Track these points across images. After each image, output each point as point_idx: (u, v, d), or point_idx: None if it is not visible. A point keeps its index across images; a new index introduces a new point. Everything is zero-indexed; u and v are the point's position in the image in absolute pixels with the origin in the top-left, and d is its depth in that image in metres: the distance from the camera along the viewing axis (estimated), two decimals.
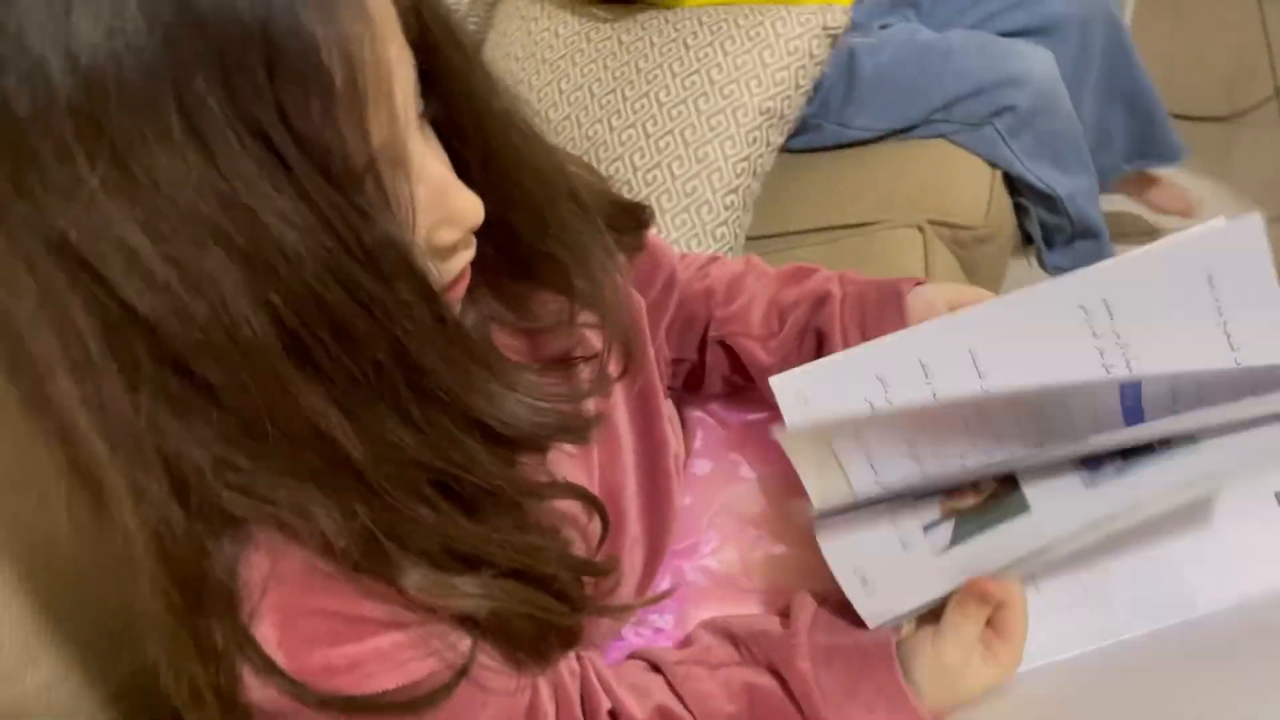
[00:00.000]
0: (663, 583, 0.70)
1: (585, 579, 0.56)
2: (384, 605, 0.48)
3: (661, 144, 0.92)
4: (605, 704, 0.59)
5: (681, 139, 0.91)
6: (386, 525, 0.46)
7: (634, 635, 0.69)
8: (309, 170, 0.39)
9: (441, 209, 0.46)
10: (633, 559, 0.67)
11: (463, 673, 0.51)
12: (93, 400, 0.42)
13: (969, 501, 0.58)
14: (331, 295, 0.41)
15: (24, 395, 0.44)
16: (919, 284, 0.69)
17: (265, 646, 0.46)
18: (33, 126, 0.38)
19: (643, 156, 0.91)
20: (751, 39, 0.94)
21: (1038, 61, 1.02)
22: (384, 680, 0.48)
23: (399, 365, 0.44)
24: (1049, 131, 1.04)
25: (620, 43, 0.99)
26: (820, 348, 0.70)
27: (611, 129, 0.94)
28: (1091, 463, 0.56)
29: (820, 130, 1.09)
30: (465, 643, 0.51)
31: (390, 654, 0.49)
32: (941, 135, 1.04)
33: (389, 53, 0.42)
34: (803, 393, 0.62)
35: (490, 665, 0.54)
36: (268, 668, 0.46)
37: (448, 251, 0.48)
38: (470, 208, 0.47)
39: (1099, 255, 1.14)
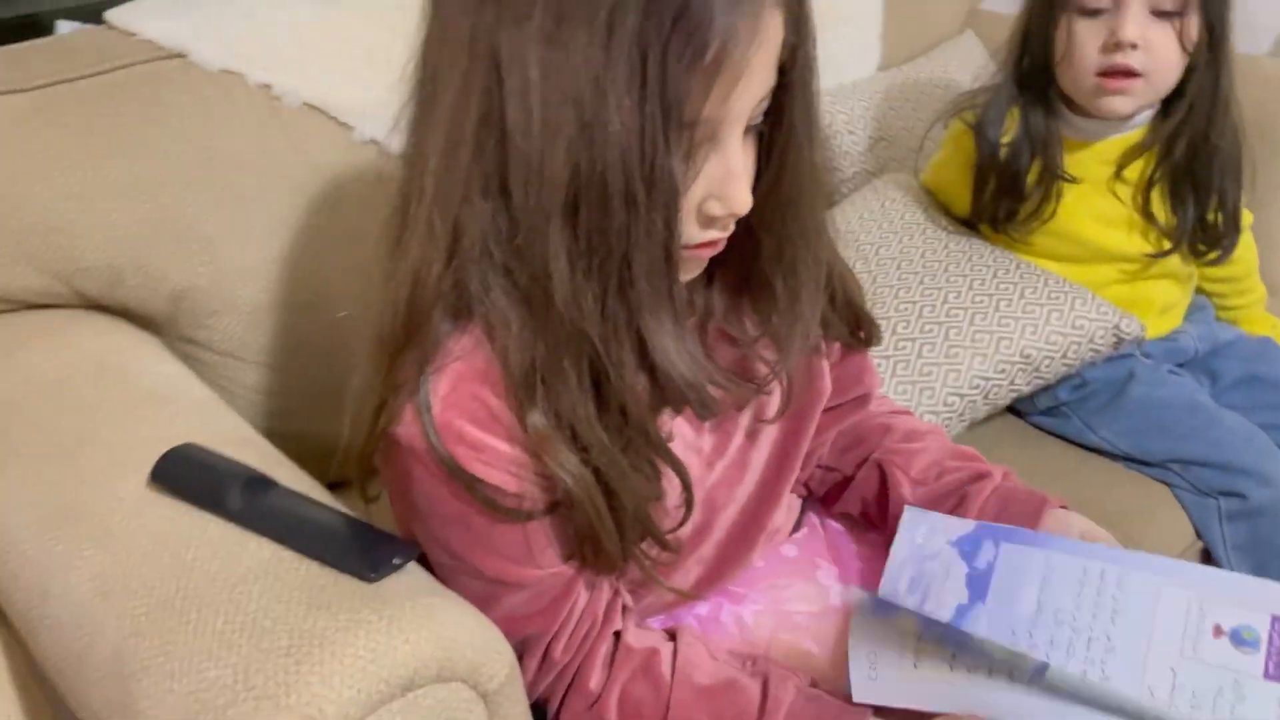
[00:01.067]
0: (703, 605, 0.78)
1: (647, 537, 0.67)
2: (514, 423, 0.60)
3: (926, 328, 1.03)
4: (617, 624, 0.69)
5: (944, 333, 1.03)
6: (546, 368, 0.59)
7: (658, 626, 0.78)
8: (655, 96, 0.53)
9: (719, 186, 0.59)
10: (690, 571, 0.76)
11: (527, 516, 0.63)
12: (446, 154, 0.57)
13: None
14: (613, 184, 0.55)
15: (414, 134, 0.61)
16: (1064, 506, 0.76)
17: (433, 394, 0.59)
18: None
19: (905, 327, 1.03)
20: (1050, 299, 1.05)
21: None
22: (484, 471, 0.60)
23: (619, 260, 0.57)
24: (1267, 540, 1.04)
25: (946, 247, 1.12)
26: (955, 512, 0.77)
27: (896, 297, 1.07)
28: None
29: (1067, 420, 1.15)
30: (541, 502, 0.63)
31: (499, 457, 0.60)
32: (1168, 484, 1.08)
33: (754, 60, 0.56)
34: (919, 531, 0.71)
35: (546, 537, 0.65)
36: (426, 408, 0.59)
37: (706, 221, 0.61)
38: (739, 198, 0.60)
39: None
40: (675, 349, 0.61)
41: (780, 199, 0.65)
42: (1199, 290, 1.25)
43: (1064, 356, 1.05)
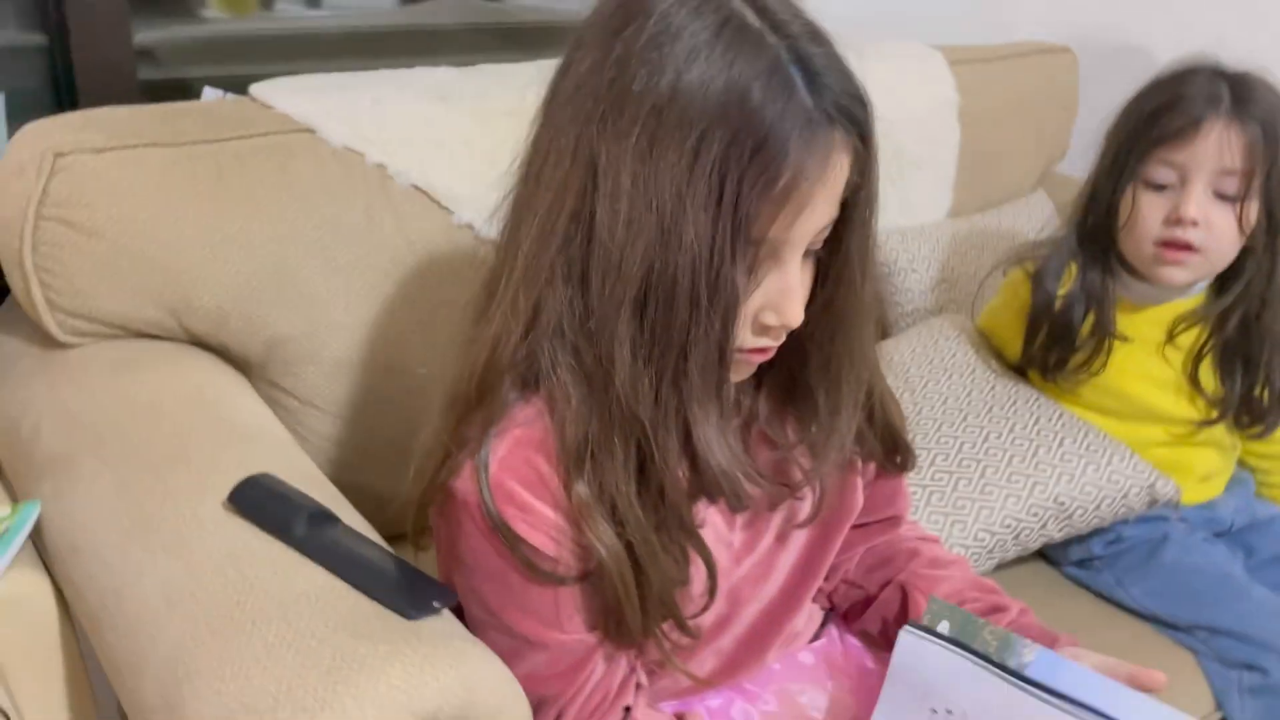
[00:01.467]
0: (716, 698, 0.81)
1: (669, 619, 0.71)
2: (560, 491, 0.66)
3: (965, 463, 1.07)
4: (629, 700, 0.72)
5: (981, 470, 1.06)
6: (597, 443, 0.65)
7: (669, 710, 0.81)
8: (728, 214, 0.61)
9: (776, 299, 0.66)
10: (706, 661, 0.80)
11: (560, 581, 0.68)
12: (538, 241, 0.64)
13: None
14: (681, 285, 0.61)
15: (512, 220, 0.68)
16: (1076, 644, 0.79)
17: (492, 454, 0.66)
18: (636, 98, 0.61)
19: (944, 459, 1.07)
20: (1088, 452, 1.08)
21: None
22: (527, 532, 0.66)
23: (677, 353, 0.63)
24: None
25: (992, 389, 1.17)
26: None
27: (938, 430, 1.11)
28: None
29: (1098, 574, 1.16)
30: (574, 569, 0.68)
31: (543, 520, 0.66)
32: (1193, 650, 1.08)
33: (819, 194, 0.63)
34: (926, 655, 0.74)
35: (575, 604, 0.70)
36: (484, 467, 0.65)
37: (760, 329, 0.67)
38: (792, 312, 0.66)
39: None
40: (717, 441, 0.66)
41: (830, 318, 0.71)
42: (1242, 463, 1.26)
43: (1097, 508, 1.08)
